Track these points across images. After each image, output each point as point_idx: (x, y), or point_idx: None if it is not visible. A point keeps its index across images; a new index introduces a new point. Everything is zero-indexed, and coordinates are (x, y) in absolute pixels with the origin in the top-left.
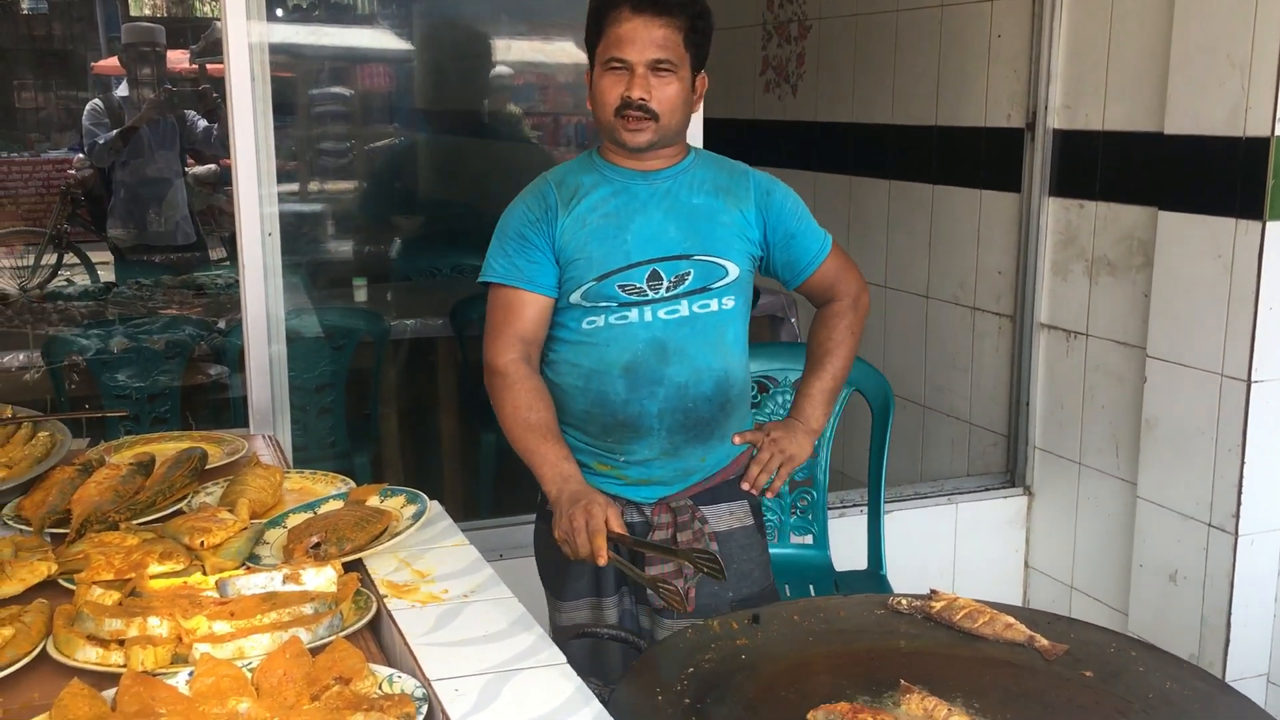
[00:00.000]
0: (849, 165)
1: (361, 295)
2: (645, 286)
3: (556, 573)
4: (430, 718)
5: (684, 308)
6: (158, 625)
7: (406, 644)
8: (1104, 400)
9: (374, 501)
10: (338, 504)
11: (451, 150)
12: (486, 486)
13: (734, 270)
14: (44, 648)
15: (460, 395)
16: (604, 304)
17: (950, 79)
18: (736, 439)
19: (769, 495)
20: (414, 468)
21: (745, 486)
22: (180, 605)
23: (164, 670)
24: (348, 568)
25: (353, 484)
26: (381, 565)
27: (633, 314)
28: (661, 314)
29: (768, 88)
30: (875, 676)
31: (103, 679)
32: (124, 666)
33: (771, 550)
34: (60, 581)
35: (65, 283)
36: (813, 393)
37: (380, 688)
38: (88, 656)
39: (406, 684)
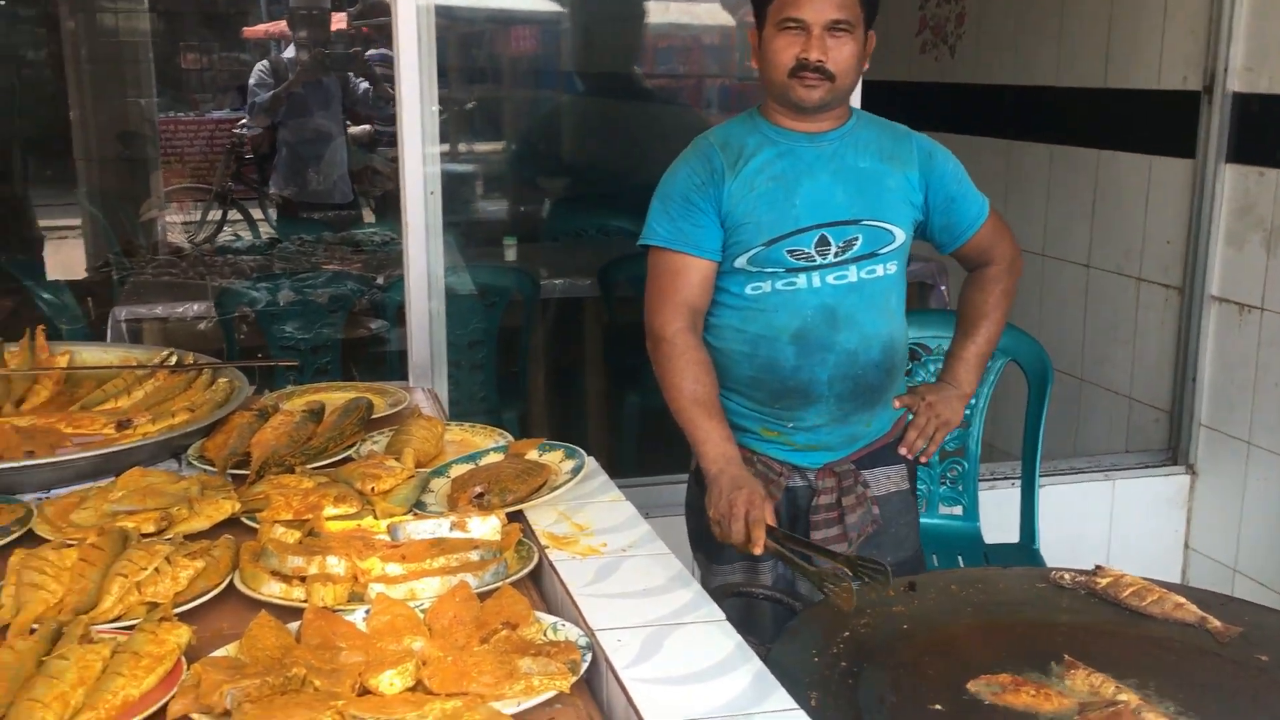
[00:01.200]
0: (1007, 129)
1: (511, 255)
2: (813, 252)
3: (710, 536)
4: (593, 667)
5: (852, 274)
6: (336, 564)
7: (569, 594)
8: (1278, 377)
9: (533, 455)
10: (498, 457)
11: (600, 112)
12: (629, 446)
13: (900, 235)
14: (231, 581)
15: (606, 355)
16: (770, 269)
17: (1121, 39)
18: (896, 403)
19: (923, 460)
20: (559, 425)
21: (903, 451)
22: (355, 547)
23: (342, 607)
24: (509, 518)
25: (511, 438)
26: (541, 517)
27: (800, 280)
28: (830, 279)
29: (924, 48)
30: (1037, 650)
31: (284, 612)
32: (304, 602)
33: (920, 519)
34: (243, 520)
35: (233, 237)
36: (966, 356)
37: (545, 634)
38: (271, 591)
39: (570, 632)
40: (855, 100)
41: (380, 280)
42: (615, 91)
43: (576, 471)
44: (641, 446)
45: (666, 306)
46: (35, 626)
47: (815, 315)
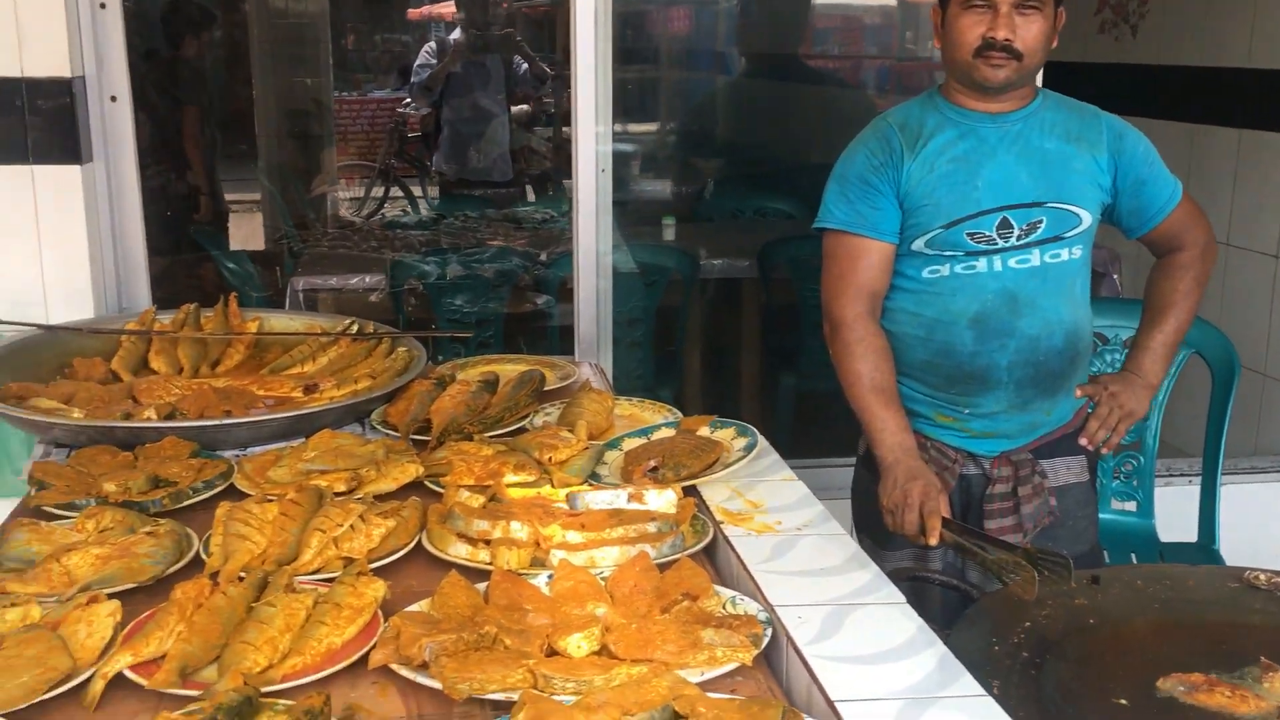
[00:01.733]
0: (1192, 113)
1: (670, 234)
2: (995, 235)
3: (879, 522)
4: (772, 642)
5: (1035, 257)
6: (519, 530)
7: (746, 569)
8: None
9: (704, 432)
10: (669, 432)
11: (759, 93)
12: (785, 428)
13: (1086, 219)
14: (419, 541)
15: (763, 336)
16: (949, 252)
17: None
18: (1078, 392)
19: (1105, 451)
20: (714, 405)
21: (1083, 442)
22: (536, 514)
23: (525, 571)
24: (684, 492)
25: (680, 414)
26: (715, 493)
27: (980, 263)
28: (1012, 263)
29: (1103, 28)
30: (1229, 651)
31: (469, 573)
32: (489, 564)
33: (1111, 516)
34: (426, 483)
35: (401, 213)
36: (1153, 346)
37: (724, 608)
38: (458, 552)
39: (750, 606)
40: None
41: (544, 256)
42: (775, 72)
43: (749, 449)
44: (796, 429)
45: (846, 291)
46: (242, 575)
47: (995, 299)
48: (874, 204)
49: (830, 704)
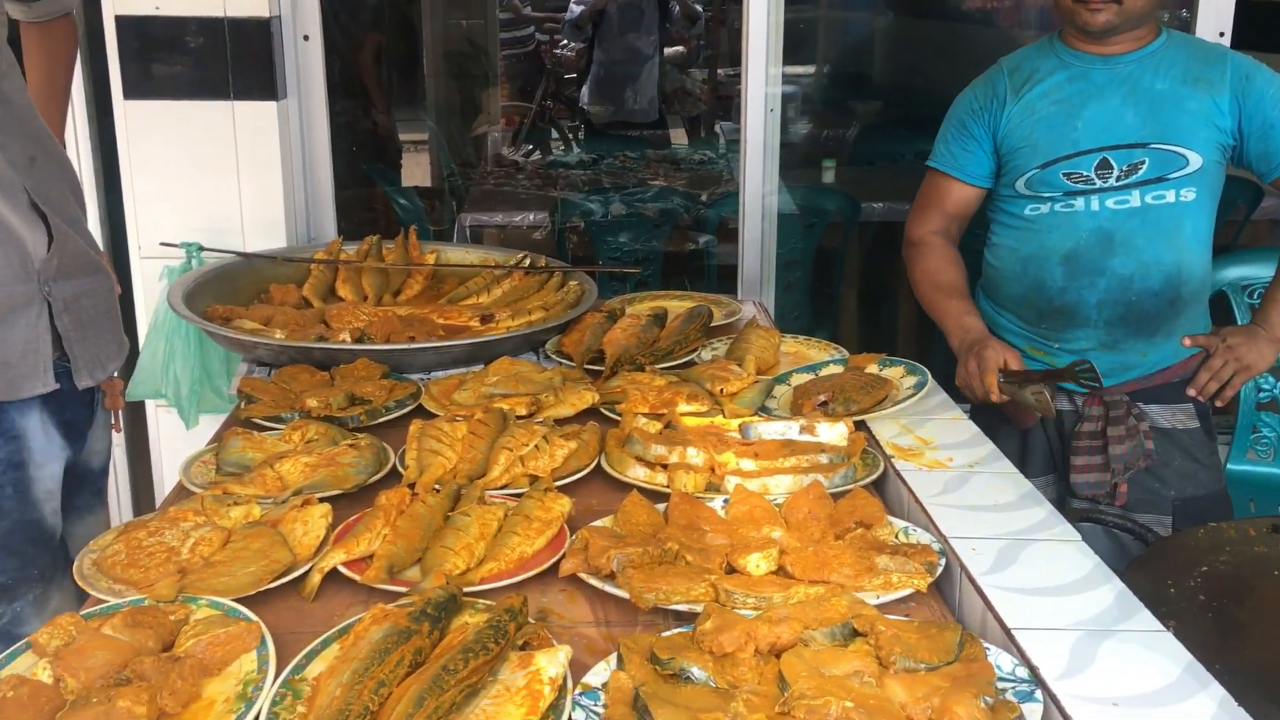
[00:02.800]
0: None
1: (829, 177)
2: (1093, 175)
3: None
4: (946, 572)
5: (1135, 198)
6: (695, 455)
7: (919, 502)
8: None
9: (873, 369)
10: (837, 369)
11: (918, 35)
12: (940, 373)
13: (1195, 160)
14: (598, 463)
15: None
16: (1048, 193)
17: None
18: (1187, 341)
19: (1219, 404)
20: (872, 348)
21: (1191, 392)
22: (710, 441)
23: (701, 495)
24: (855, 428)
25: (846, 352)
26: (884, 429)
27: (1079, 202)
28: (1110, 203)
29: None
30: None
31: (646, 495)
32: (666, 487)
33: (1265, 469)
34: (601, 410)
35: (559, 152)
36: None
37: (896, 537)
38: (636, 475)
39: (922, 536)
40: (1227, 17)
41: (704, 197)
42: (933, 13)
43: (919, 388)
44: (948, 379)
45: (923, 215)
46: (436, 487)
47: (1089, 238)
48: (965, 147)
49: (1006, 631)
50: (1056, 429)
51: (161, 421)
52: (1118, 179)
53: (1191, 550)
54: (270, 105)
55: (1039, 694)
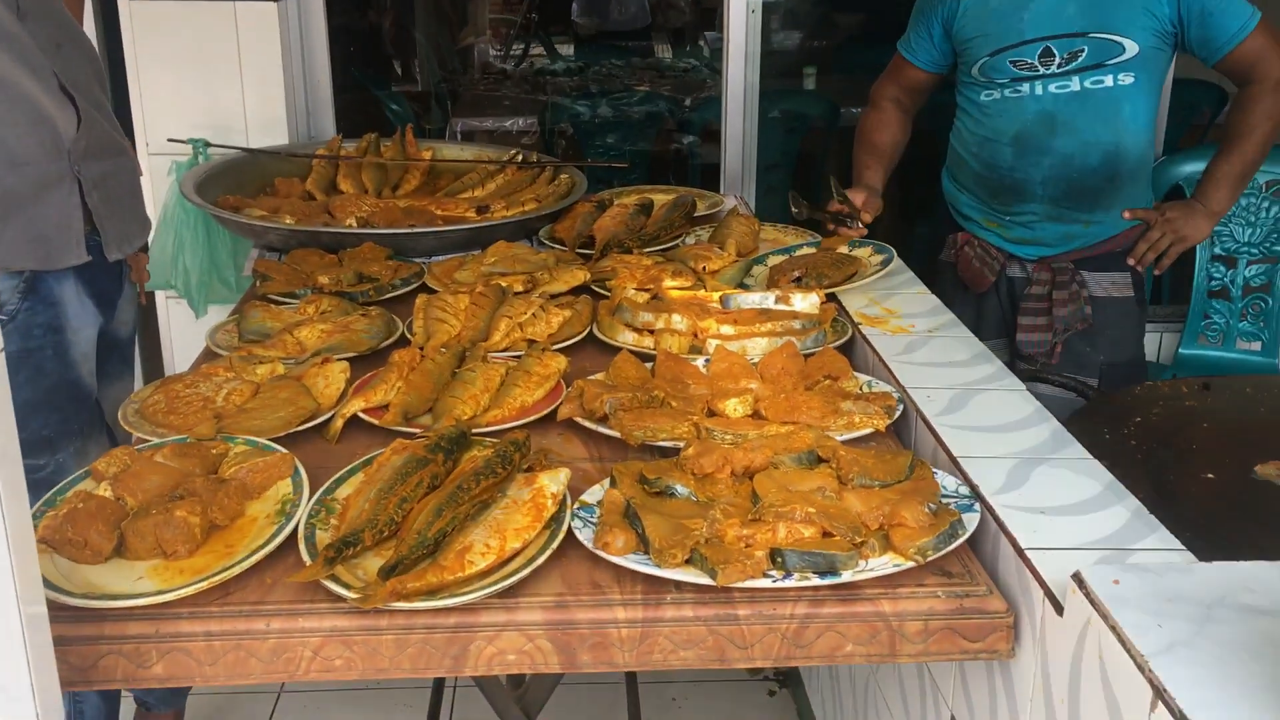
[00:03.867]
0: None
1: (810, 84)
2: (1037, 63)
3: None
4: (904, 417)
5: (1075, 83)
6: (679, 321)
7: (881, 360)
8: None
9: (843, 250)
10: (810, 250)
11: None
12: (917, 269)
13: (1132, 48)
14: (590, 332)
15: (898, 183)
16: (999, 80)
17: None
18: (1126, 214)
19: (1156, 272)
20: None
21: (1131, 262)
22: (694, 310)
23: (684, 355)
24: (826, 301)
25: (821, 238)
26: (853, 301)
27: (1025, 88)
28: (1052, 88)
29: None
30: None
31: (637, 357)
32: (653, 349)
33: (1215, 353)
34: (591, 288)
35: (548, 62)
36: (1218, 176)
37: (860, 389)
38: (625, 339)
39: (884, 388)
40: None
41: (688, 102)
42: None
43: (885, 264)
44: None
45: (884, 85)
46: (444, 349)
47: (1034, 120)
48: (920, 35)
49: (953, 459)
50: (1009, 295)
51: (171, 312)
52: (1059, 66)
53: (1127, 404)
54: (271, 6)
55: (977, 506)
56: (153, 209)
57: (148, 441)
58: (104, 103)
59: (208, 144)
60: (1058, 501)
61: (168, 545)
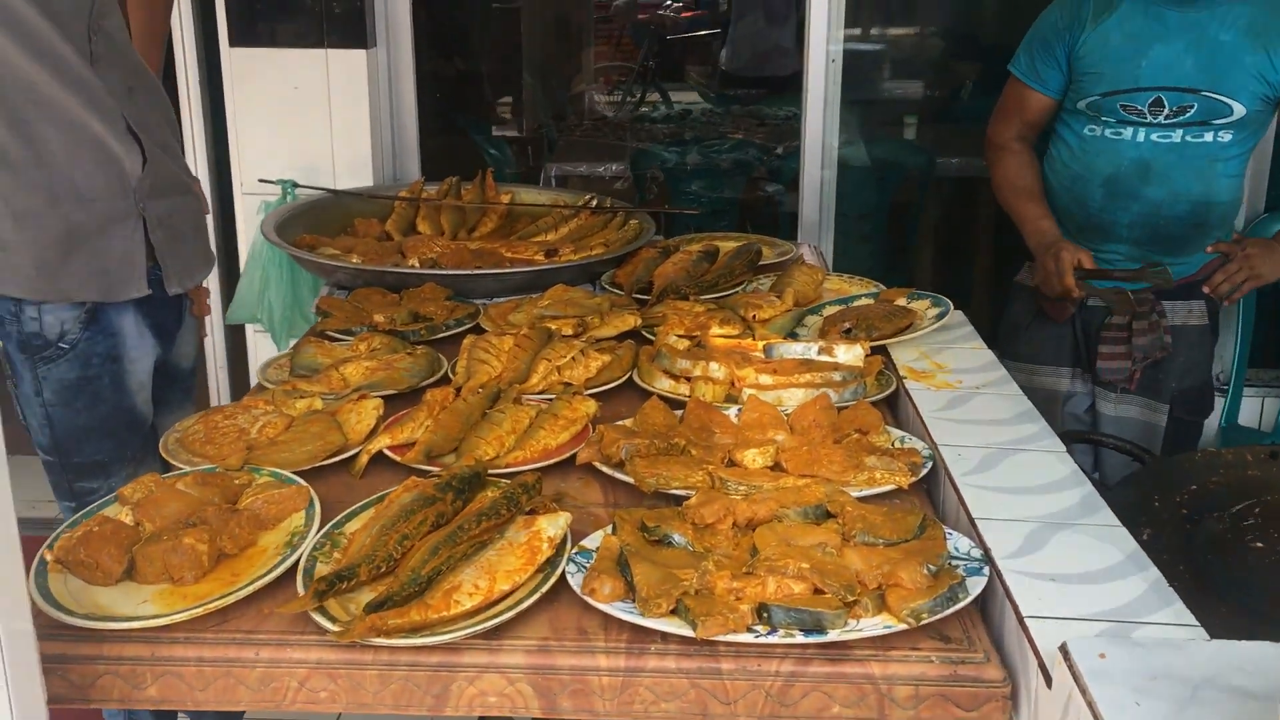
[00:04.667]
0: None
1: (910, 133)
2: (1146, 110)
3: (1014, 344)
4: (933, 474)
5: (1177, 135)
6: (717, 370)
7: (919, 414)
8: None
9: (901, 301)
10: (869, 301)
11: None
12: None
13: (1239, 110)
14: (630, 377)
15: (997, 237)
16: (1105, 118)
17: None
18: (1209, 248)
19: (1226, 304)
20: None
21: (1206, 290)
22: (734, 358)
23: (719, 405)
24: (874, 352)
25: (884, 287)
26: (904, 354)
27: (1127, 131)
28: (1154, 137)
29: None
30: None
31: (671, 404)
32: (688, 396)
33: None
34: (643, 333)
35: (651, 109)
36: None
37: (892, 444)
38: (661, 385)
39: (915, 444)
40: None
41: (780, 150)
42: None
43: (941, 318)
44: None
45: (1005, 122)
46: (480, 390)
47: (1129, 165)
48: (1046, 62)
49: (971, 520)
50: (1083, 325)
51: (259, 345)
52: (1167, 117)
53: (1185, 470)
54: (360, 54)
55: (986, 570)
56: (243, 247)
57: (180, 470)
58: (172, 144)
59: (295, 184)
60: (1071, 569)
61: (175, 571)
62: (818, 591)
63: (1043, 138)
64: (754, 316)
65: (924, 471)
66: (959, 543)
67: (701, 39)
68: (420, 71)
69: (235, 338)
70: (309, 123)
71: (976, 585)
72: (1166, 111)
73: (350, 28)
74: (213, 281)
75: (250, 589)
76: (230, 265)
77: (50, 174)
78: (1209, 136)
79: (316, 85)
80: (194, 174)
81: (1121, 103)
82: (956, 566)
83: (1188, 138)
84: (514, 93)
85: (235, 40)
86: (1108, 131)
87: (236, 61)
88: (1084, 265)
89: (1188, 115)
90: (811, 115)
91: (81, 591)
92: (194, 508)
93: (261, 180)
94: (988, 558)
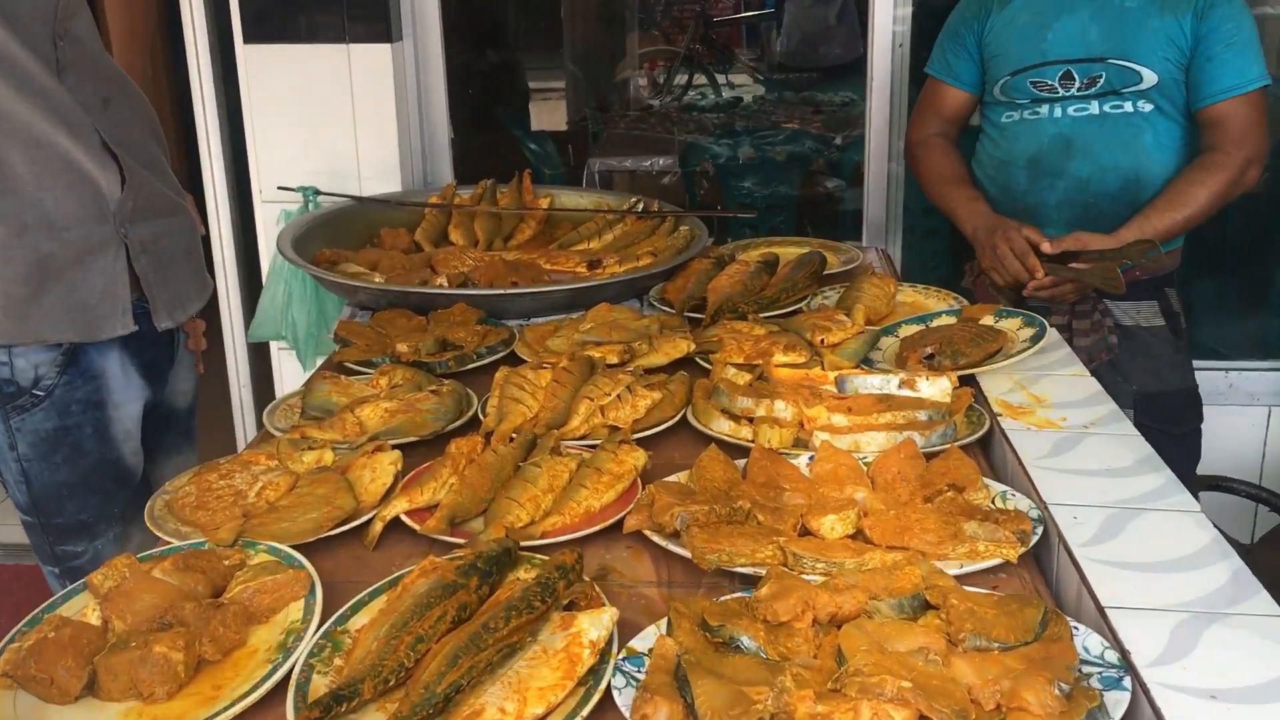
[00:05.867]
0: None
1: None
2: (1057, 84)
3: None
4: (1043, 541)
5: (1094, 107)
6: (784, 409)
7: (1021, 465)
8: None
9: (988, 321)
10: (950, 320)
11: None
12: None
13: (1150, 77)
14: (684, 415)
15: None
16: (1019, 100)
17: None
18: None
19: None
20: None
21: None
22: (802, 394)
23: (786, 451)
24: (961, 382)
25: (965, 302)
26: (995, 384)
27: (1043, 110)
28: (1071, 111)
29: None
30: None
31: (730, 449)
32: (751, 441)
33: None
34: (696, 359)
35: (699, 96)
36: (1134, 224)
37: (993, 502)
38: (721, 428)
39: (1021, 503)
40: None
41: (839, 140)
42: None
43: (1036, 340)
44: None
45: (922, 119)
46: (514, 435)
47: (1050, 143)
48: (958, 55)
49: (1100, 609)
50: None
51: (284, 363)
52: (1079, 90)
53: None
54: (385, 48)
55: (1127, 681)
56: (265, 259)
57: (170, 545)
58: (158, 159)
59: (318, 192)
60: (1233, 681)
61: (144, 686)
62: (923, 718)
63: (970, 137)
64: (822, 341)
65: (1034, 540)
66: (1088, 641)
67: (752, 20)
68: (451, 65)
69: (258, 354)
70: (332, 124)
71: (1118, 706)
72: (1078, 84)
73: (374, 20)
74: (234, 296)
75: (234, 710)
76: (252, 279)
77: (15, 200)
78: (1128, 107)
79: (339, 83)
80: (211, 184)
81: (1031, 79)
82: (1089, 678)
83: (1106, 109)
84: (555, 83)
85: (250, 36)
86: (1025, 113)
87: (252, 59)
88: (1035, 243)
89: (1099, 86)
90: (877, 104)
91: (35, 712)
92: (172, 600)
93: (281, 188)
94: (1127, 664)
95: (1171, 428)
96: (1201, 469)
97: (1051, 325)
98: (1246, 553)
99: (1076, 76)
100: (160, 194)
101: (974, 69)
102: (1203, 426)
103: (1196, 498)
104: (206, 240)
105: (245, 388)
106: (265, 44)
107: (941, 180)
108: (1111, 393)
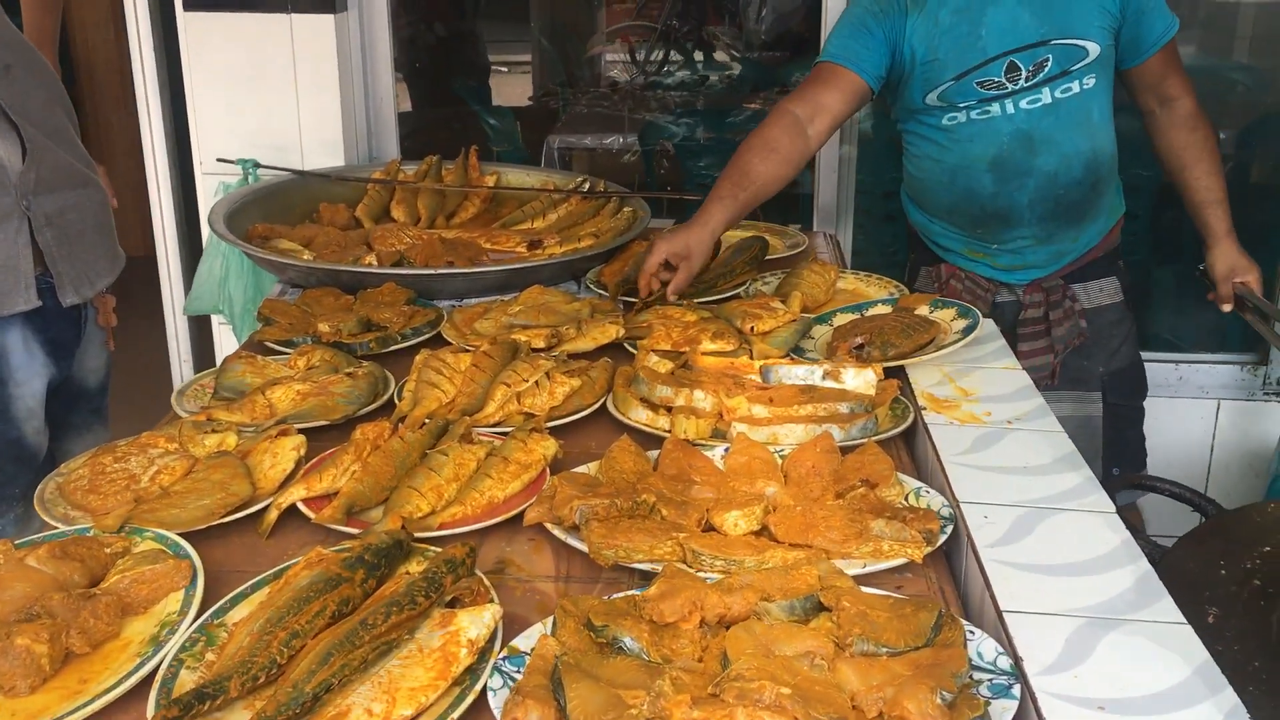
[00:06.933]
0: None
1: None
2: (1004, 80)
3: None
4: (953, 540)
5: (1046, 95)
6: (702, 399)
7: (939, 461)
8: None
9: (923, 311)
10: (886, 309)
11: None
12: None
13: (1094, 49)
14: (604, 403)
15: None
16: (963, 103)
17: None
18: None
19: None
20: None
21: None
22: (725, 384)
23: (703, 442)
24: (889, 373)
25: (905, 290)
26: (924, 376)
27: (994, 108)
28: (1024, 104)
29: None
30: None
31: (648, 439)
32: (668, 431)
33: None
34: (625, 345)
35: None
36: (1210, 201)
37: (906, 499)
38: (638, 417)
39: (933, 500)
40: None
41: None
42: None
43: (968, 332)
44: None
45: (800, 95)
46: (426, 421)
47: (1011, 142)
48: (864, 42)
49: (999, 613)
50: (998, 319)
51: (224, 336)
52: (1027, 79)
53: (1255, 526)
54: (328, 19)
55: (1017, 689)
56: (206, 231)
57: (55, 530)
58: (65, 129)
59: (257, 165)
60: (1127, 691)
61: (4, 679)
62: None
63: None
64: (752, 329)
65: (941, 540)
66: (983, 646)
67: None
68: (404, 36)
69: (199, 327)
70: (274, 96)
71: (1005, 715)
72: (1024, 73)
73: None
74: (174, 268)
75: (94, 706)
76: (194, 251)
77: None
78: (1076, 87)
79: (281, 54)
80: (151, 152)
81: (976, 80)
82: (979, 685)
83: (1057, 94)
84: (521, 56)
85: (190, 4)
86: (973, 114)
87: (192, 27)
88: (665, 265)
89: (1046, 71)
90: None
91: None
92: (44, 591)
93: (220, 160)
94: (1018, 671)
95: (1135, 399)
96: (1149, 462)
97: (1027, 317)
98: (1164, 555)
99: (1022, 66)
100: (66, 165)
101: (880, 60)
102: (1150, 419)
103: (1113, 498)
104: (143, 211)
105: (186, 362)
106: (206, 11)
107: (734, 168)
108: (1079, 377)
